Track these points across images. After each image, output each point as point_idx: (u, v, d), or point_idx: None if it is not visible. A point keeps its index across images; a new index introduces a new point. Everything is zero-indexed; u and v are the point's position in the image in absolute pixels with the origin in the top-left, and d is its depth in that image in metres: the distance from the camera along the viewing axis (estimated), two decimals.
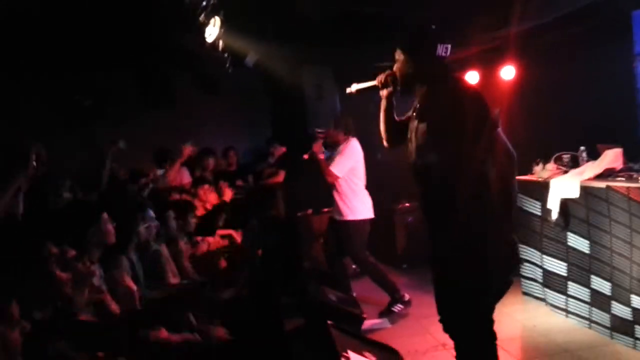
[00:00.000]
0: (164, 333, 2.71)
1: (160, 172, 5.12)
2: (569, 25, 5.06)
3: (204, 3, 3.17)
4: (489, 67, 6.45)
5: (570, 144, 4.29)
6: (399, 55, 2.49)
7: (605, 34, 4.96)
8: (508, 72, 6.14)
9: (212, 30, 3.53)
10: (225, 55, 4.23)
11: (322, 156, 4.63)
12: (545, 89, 5.42)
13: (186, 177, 5.45)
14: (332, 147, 4.78)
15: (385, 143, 2.80)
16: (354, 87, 2.80)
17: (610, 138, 4.13)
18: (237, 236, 4.85)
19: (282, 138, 6.81)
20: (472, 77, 6.60)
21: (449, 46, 2.37)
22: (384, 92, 2.67)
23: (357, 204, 4.63)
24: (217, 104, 6.71)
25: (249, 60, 5.02)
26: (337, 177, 4.59)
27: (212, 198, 4.93)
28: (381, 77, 2.63)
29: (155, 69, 5.30)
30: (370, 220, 4.71)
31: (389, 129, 2.73)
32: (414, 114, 2.54)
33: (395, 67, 2.54)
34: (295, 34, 4.72)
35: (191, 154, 5.28)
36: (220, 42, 3.78)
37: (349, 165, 4.62)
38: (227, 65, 4.37)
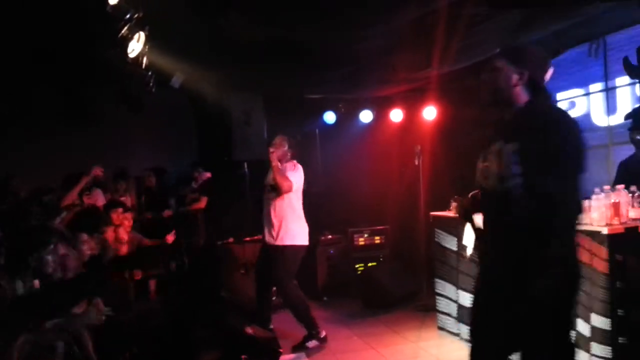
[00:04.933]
0: None
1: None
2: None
3: (128, 15, 3.03)
4: (412, 106, 6.70)
5: None
6: (500, 63, 2.32)
7: None
8: (430, 113, 6.39)
9: (135, 46, 3.39)
10: (149, 73, 4.06)
11: (277, 163, 4.34)
12: (465, 130, 5.66)
13: (100, 200, 5.15)
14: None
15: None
16: None
17: None
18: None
19: (207, 163, 6.65)
20: (396, 115, 6.83)
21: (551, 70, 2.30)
22: None
23: (296, 228, 4.44)
24: (140, 124, 6.47)
25: (175, 81, 4.86)
26: (291, 188, 4.35)
27: (127, 223, 4.66)
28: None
29: (75, 82, 5.02)
30: (306, 247, 4.52)
31: None
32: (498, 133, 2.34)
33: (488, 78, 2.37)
34: (225, 58, 4.62)
35: (99, 177, 4.94)
36: (144, 59, 3.62)
37: (299, 184, 4.46)
38: (151, 84, 4.19)
